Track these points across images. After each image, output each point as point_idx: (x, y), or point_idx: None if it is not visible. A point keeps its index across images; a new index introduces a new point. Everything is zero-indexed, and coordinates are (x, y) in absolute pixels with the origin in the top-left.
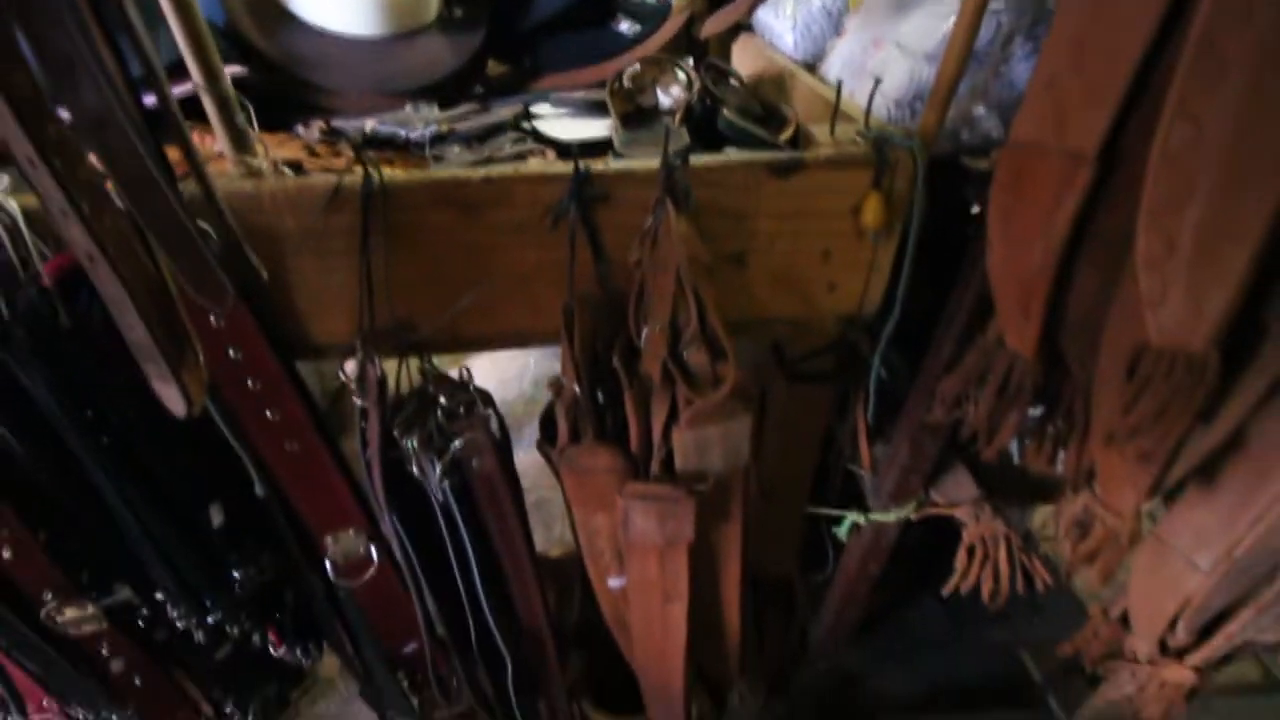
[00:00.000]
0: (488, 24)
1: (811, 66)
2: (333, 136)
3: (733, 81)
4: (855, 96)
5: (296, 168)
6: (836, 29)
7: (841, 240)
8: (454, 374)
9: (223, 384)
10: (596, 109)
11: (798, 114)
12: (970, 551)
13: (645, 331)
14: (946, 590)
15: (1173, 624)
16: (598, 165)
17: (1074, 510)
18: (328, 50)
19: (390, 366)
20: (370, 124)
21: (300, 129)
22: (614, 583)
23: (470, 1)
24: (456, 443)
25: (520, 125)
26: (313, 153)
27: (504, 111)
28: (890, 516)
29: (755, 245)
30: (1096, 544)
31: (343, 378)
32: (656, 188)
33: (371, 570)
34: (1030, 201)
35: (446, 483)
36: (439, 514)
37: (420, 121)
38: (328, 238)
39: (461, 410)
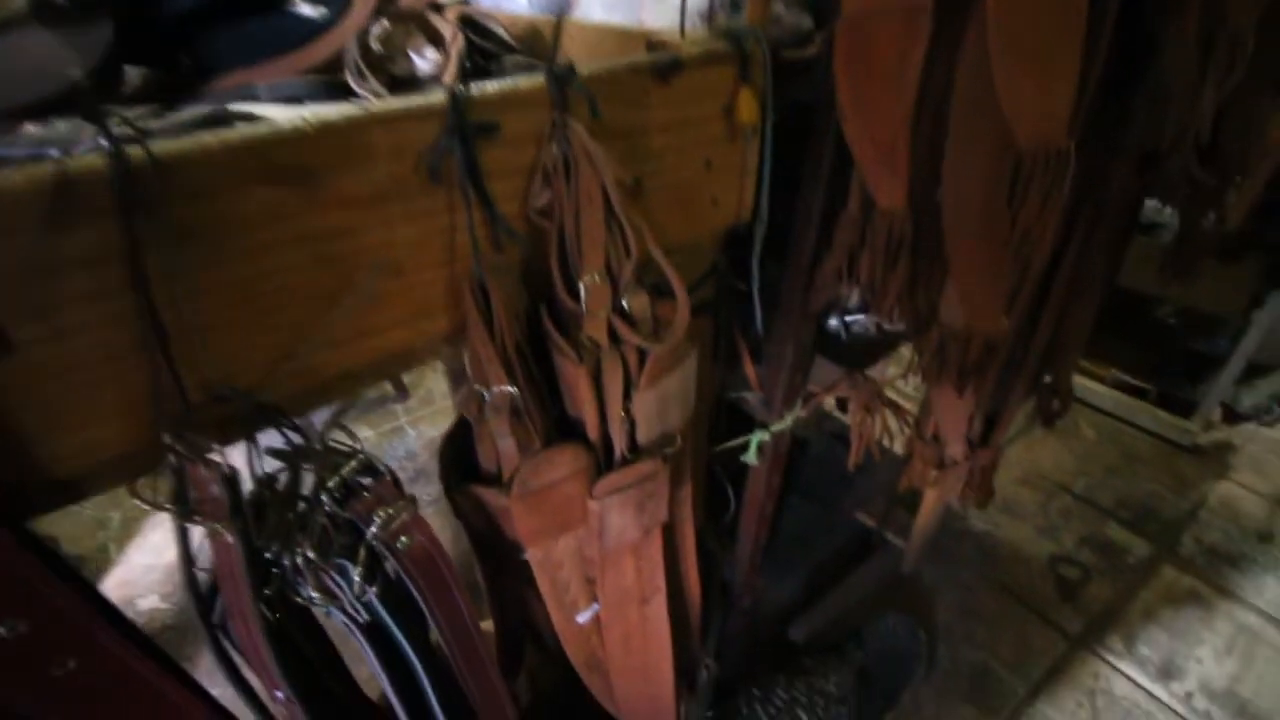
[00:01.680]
0: (111, 13)
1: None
2: None
3: (499, 31)
4: (644, 23)
5: None
6: None
7: (718, 147)
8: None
9: None
10: (335, 91)
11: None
12: (859, 421)
13: (582, 286)
14: (853, 458)
15: (969, 425)
16: (474, 89)
17: (932, 341)
18: None
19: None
20: None
21: None
22: (584, 616)
23: None
24: (372, 528)
25: (237, 118)
26: None
27: (197, 112)
28: (788, 422)
29: (649, 167)
30: (970, 357)
31: (144, 505)
32: (550, 106)
33: None
34: (877, 64)
35: (372, 591)
36: (365, 645)
37: (78, 133)
38: (60, 275)
39: (358, 482)
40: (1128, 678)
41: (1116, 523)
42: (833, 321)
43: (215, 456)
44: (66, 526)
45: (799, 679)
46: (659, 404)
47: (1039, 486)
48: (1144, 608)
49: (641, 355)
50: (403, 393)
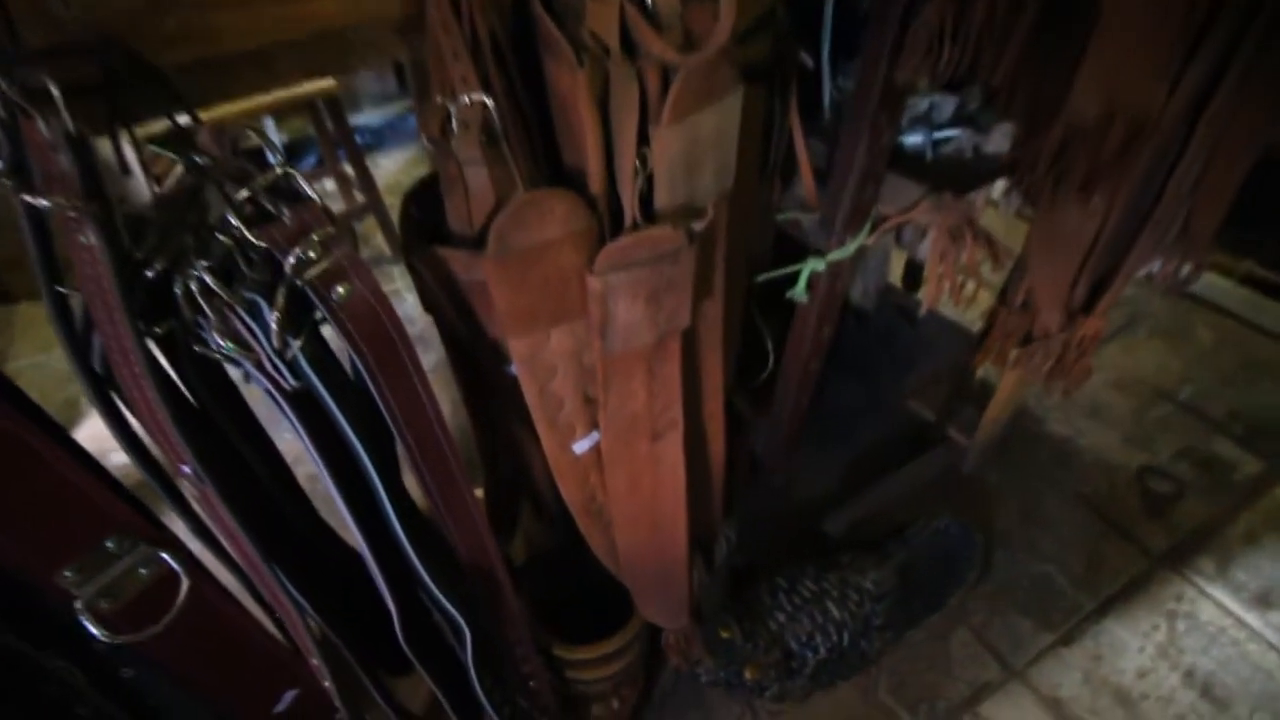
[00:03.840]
0: None
1: None
2: None
3: None
4: None
5: None
6: None
7: None
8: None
9: None
10: None
11: None
12: (941, 252)
13: None
14: (928, 301)
15: (1073, 288)
16: None
17: (1052, 142)
18: None
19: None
20: None
21: None
22: (582, 445)
23: None
24: (290, 257)
25: None
26: None
27: None
28: (850, 249)
29: None
30: (1108, 148)
31: None
32: None
33: (182, 594)
34: None
35: (297, 345)
36: (291, 418)
37: None
38: None
39: (276, 201)
40: (1216, 603)
41: (1225, 437)
42: (917, 138)
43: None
44: (35, 378)
45: (831, 572)
46: (686, 153)
47: (1135, 392)
48: (1246, 530)
49: (666, 79)
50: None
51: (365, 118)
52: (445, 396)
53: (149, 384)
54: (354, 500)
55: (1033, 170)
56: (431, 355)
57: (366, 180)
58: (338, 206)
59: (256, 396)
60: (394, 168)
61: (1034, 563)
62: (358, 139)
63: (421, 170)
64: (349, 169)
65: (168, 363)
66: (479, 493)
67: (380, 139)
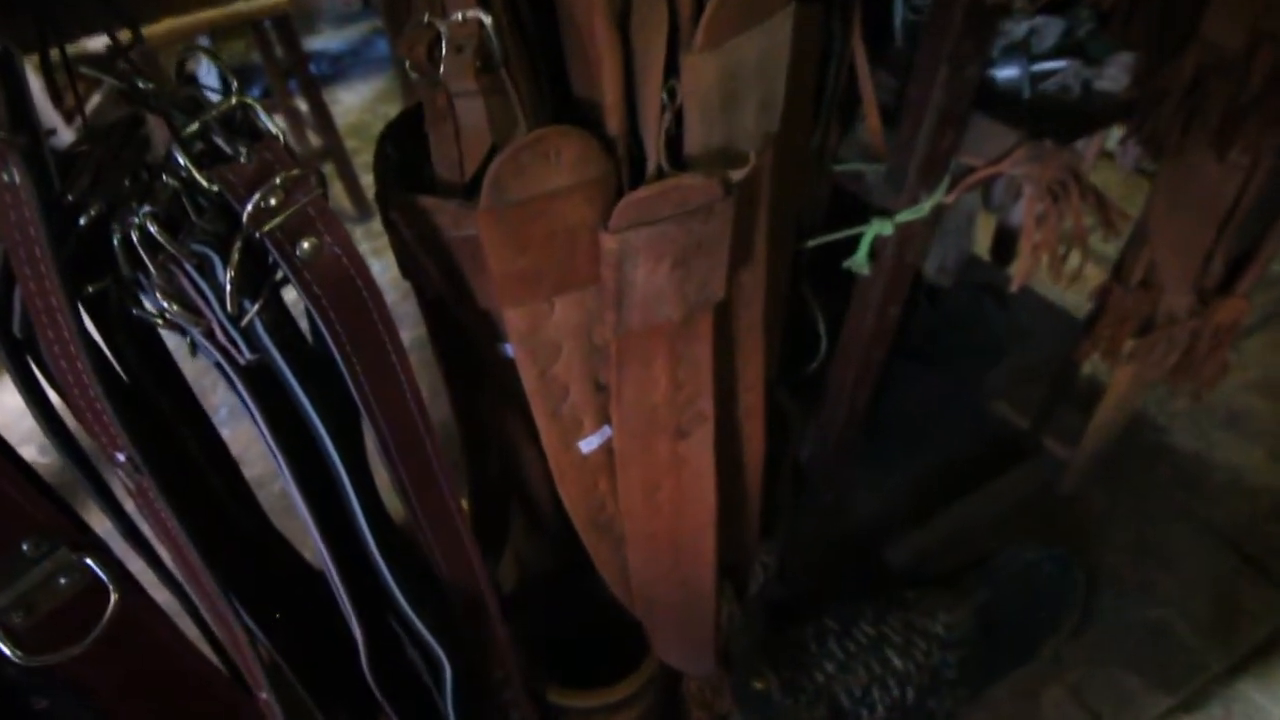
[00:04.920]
0: None
1: None
2: None
3: None
4: None
5: None
6: None
7: None
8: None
9: None
10: None
11: None
12: (1037, 215)
13: None
14: (1020, 276)
15: (1207, 261)
16: None
17: (1183, 74)
18: None
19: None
20: None
21: None
22: (590, 444)
23: None
24: (248, 205)
25: None
26: None
27: None
28: (924, 208)
29: None
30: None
31: None
32: None
33: (110, 609)
34: None
35: (254, 308)
36: (245, 398)
37: None
38: None
39: (231, 137)
40: None
41: None
42: (1012, 71)
43: None
44: None
45: (893, 612)
46: (723, 86)
47: None
48: None
49: None
50: None
51: (323, 41)
52: (424, 382)
53: (81, 352)
54: (317, 501)
55: (1157, 112)
56: (407, 333)
57: (323, 118)
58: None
59: (198, 375)
60: (357, 103)
61: (1148, 607)
62: (313, 68)
63: (391, 107)
64: (302, 104)
65: (97, 330)
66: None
67: (341, 68)
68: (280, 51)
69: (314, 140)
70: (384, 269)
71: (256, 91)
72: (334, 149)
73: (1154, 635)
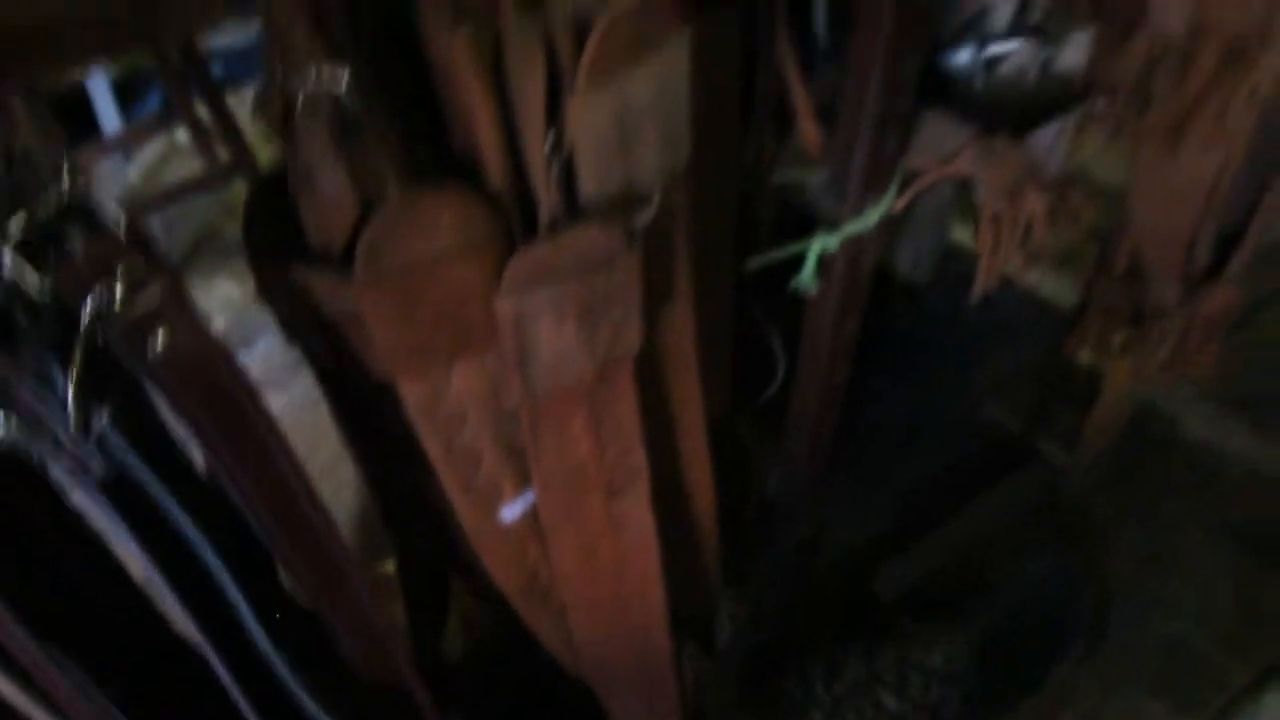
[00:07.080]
0: None
1: None
2: None
3: None
4: None
5: None
6: None
7: None
8: None
9: None
10: None
11: None
12: (996, 218)
13: None
14: (980, 283)
15: (1190, 248)
16: None
17: (1137, 56)
18: None
19: None
20: None
21: None
22: (513, 509)
23: None
24: (85, 305)
25: None
26: None
27: None
28: (870, 219)
29: None
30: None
31: None
32: None
33: None
34: None
35: (103, 416)
36: (108, 515)
37: None
38: None
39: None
40: None
41: None
42: (962, 55)
43: None
44: None
45: (886, 647)
46: (616, 126)
47: None
48: None
49: (579, 29)
50: None
51: (225, 39)
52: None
53: None
54: (201, 606)
55: (1112, 101)
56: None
57: (229, 128)
58: (195, 166)
59: None
60: None
61: (1165, 620)
62: (215, 70)
63: None
64: (206, 113)
65: None
66: (389, 567)
67: (247, 68)
68: (175, 54)
69: (222, 154)
70: None
71: (155, 101)
72: (245, 162)
73: (1171, 651)
